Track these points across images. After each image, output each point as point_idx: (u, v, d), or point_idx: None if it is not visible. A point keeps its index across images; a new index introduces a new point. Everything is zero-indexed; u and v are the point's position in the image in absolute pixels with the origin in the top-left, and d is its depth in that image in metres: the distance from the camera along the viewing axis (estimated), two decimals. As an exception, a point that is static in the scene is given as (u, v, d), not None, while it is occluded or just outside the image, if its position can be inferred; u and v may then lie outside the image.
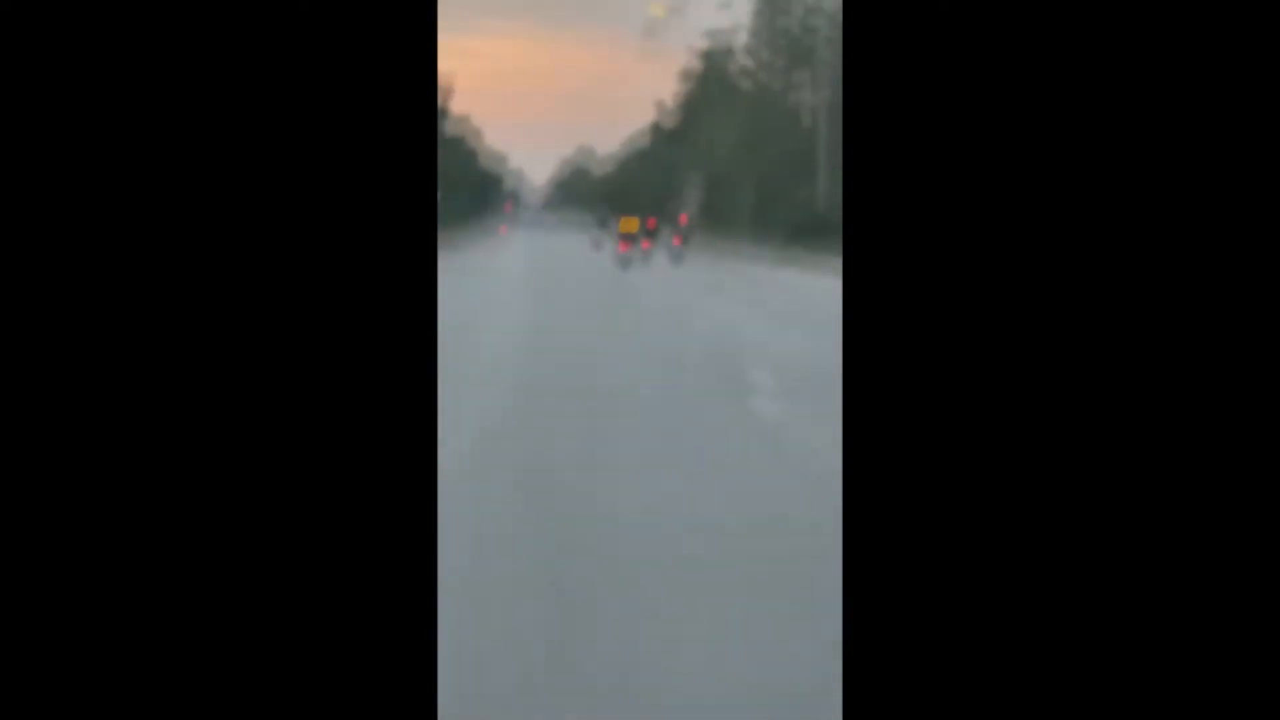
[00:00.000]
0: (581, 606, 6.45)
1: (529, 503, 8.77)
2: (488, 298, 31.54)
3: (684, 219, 56.10)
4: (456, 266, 43.17)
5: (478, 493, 8.90)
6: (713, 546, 7.68)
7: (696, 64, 77.00)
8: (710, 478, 9.70)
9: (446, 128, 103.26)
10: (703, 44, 70.80)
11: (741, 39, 68.00)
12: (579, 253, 65.14)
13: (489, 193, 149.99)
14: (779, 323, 25.29)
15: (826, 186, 72.81)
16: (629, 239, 47.14)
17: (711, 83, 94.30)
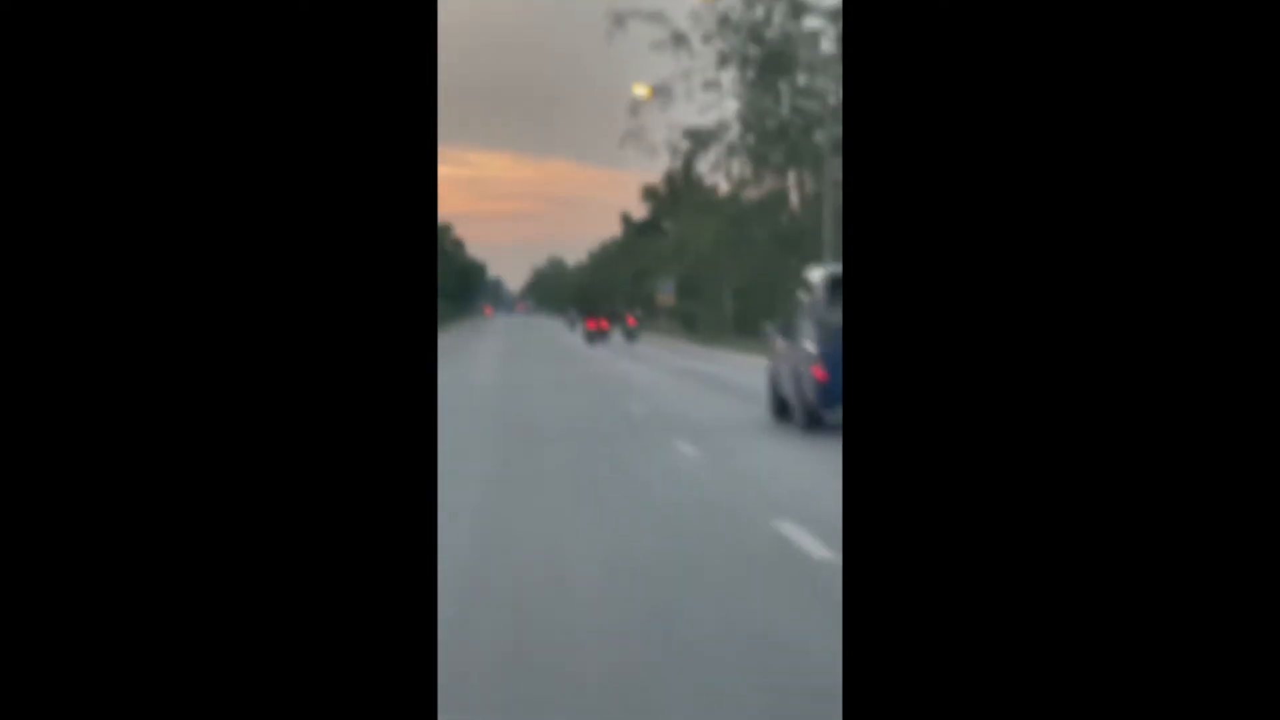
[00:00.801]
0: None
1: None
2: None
3: (632, 321, 75.29)
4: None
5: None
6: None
7: (673, 162, 71.39)
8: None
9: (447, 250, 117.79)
10: (680, 141, 61.73)
11: (728, 129, 62.45)
12: (545, 325, 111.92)
13: (472, 292, 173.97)
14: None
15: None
16: (592, 331, 72.86)
17: (686, 178, 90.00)
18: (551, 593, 8.55)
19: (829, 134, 52.15)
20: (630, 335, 73.22)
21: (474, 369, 40.05)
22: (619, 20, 53.85)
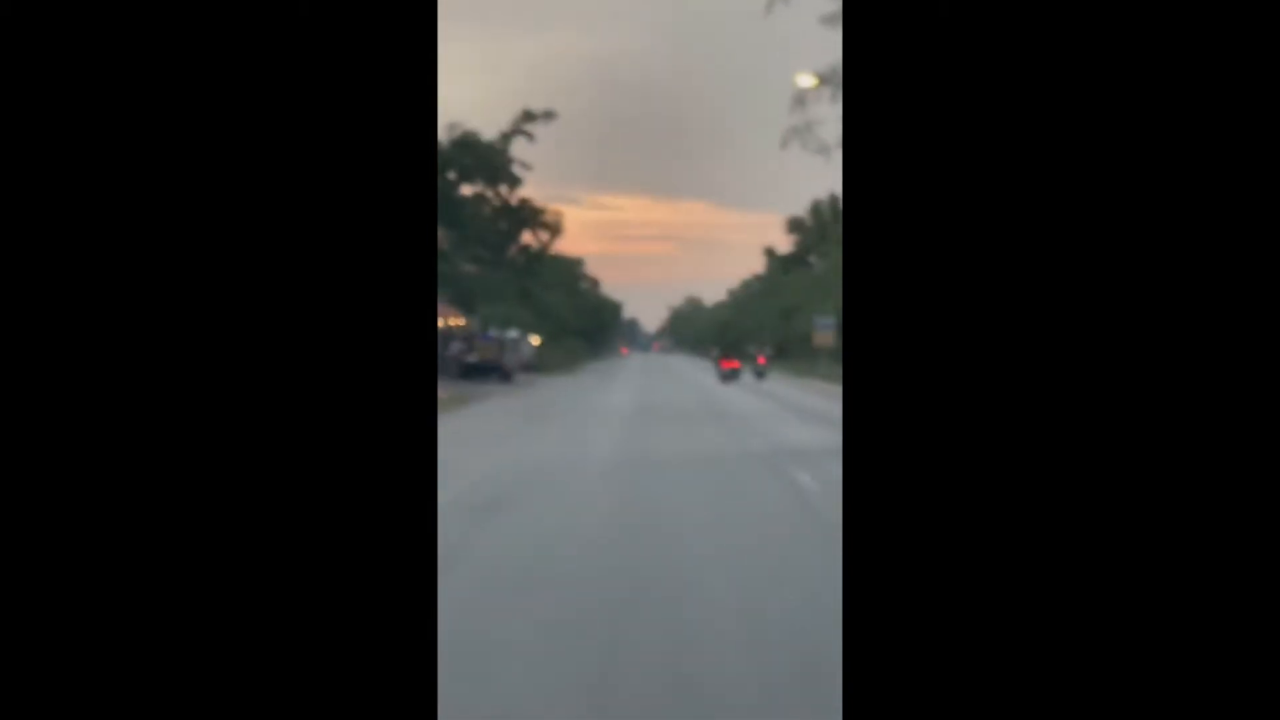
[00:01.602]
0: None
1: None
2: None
3: (761, 360, 77.61)
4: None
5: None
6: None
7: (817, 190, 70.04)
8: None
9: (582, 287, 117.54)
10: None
11: None
12: (680, 365, 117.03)
13: (607, 332, 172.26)
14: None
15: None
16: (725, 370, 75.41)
17: (833, 209, 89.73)
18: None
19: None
20: (759, 374, 76.03)
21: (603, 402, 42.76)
22: None
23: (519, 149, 59.40)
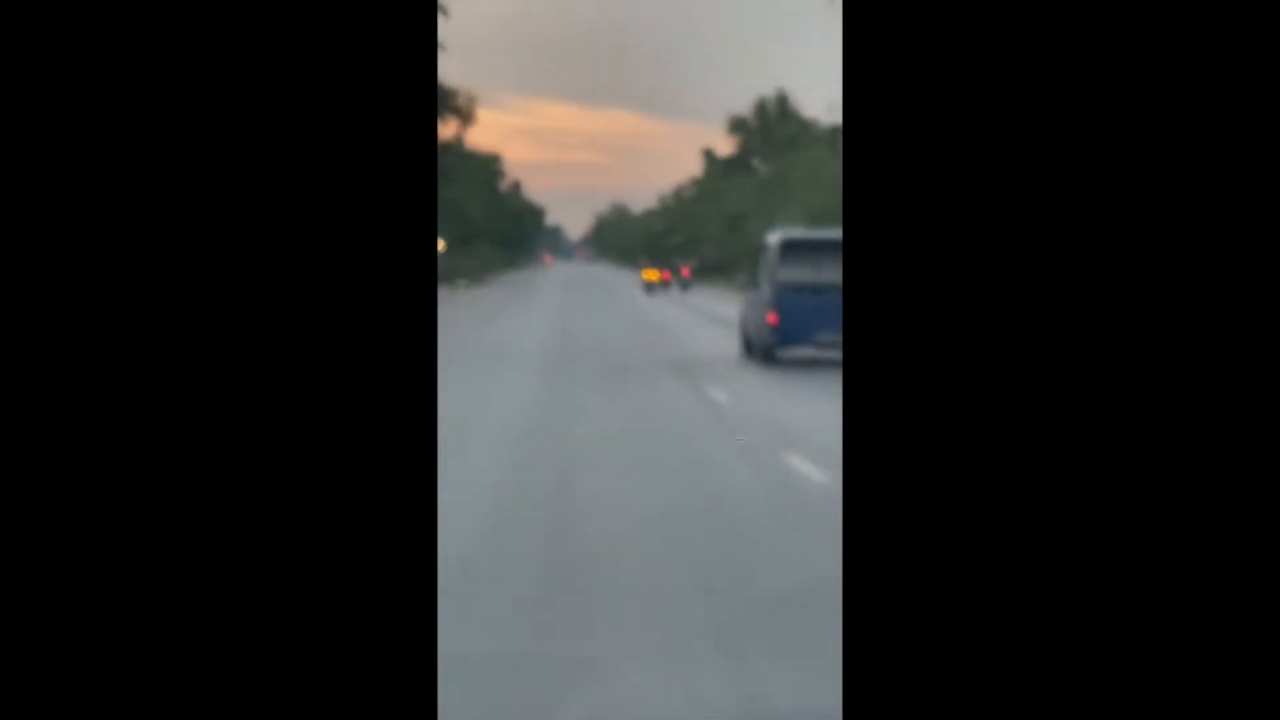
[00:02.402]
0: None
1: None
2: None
3: (686, 272, 78.56)
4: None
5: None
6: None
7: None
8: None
9: (500, 190, 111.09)
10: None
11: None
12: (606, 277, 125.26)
13: (530, 240, 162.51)
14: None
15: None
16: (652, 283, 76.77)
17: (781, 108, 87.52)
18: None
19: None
20: (684, 285, 77.08)
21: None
22: None
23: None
